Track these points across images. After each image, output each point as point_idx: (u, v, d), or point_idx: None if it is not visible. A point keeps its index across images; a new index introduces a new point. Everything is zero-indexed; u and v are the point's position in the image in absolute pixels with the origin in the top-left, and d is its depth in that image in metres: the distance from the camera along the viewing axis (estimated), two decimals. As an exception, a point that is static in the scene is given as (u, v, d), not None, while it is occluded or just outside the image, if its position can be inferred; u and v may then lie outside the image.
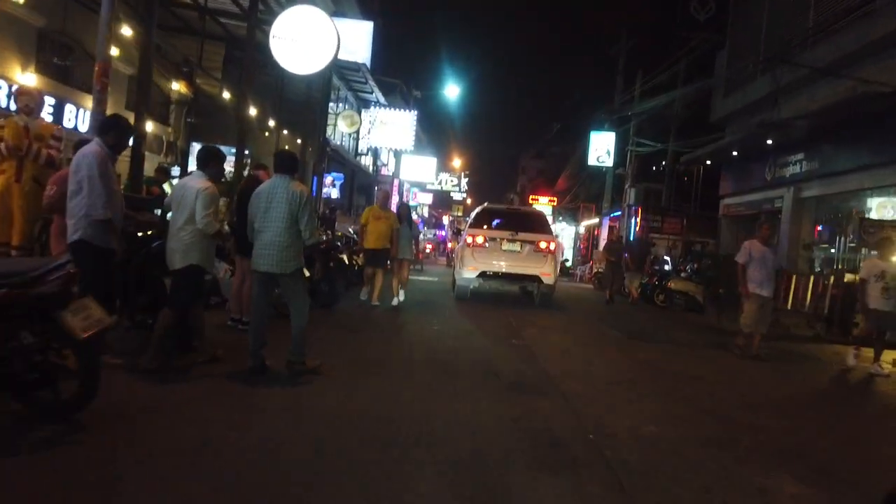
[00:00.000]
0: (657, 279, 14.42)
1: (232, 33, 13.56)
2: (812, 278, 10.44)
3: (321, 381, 4.67)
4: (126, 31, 10.51)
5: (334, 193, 20.05)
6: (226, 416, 3.75)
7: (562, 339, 7.97)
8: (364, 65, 18.04)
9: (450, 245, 28.40)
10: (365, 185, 25.34)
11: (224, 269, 7.32)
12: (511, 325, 8.80)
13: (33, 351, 3.07)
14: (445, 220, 47.75)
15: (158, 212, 6.13)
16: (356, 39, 18.92)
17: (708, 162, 18.55)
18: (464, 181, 45.11)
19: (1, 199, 5.73)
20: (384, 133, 22.43)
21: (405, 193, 31.70)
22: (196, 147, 11.64)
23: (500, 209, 12.86)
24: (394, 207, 11.67)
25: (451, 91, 25.97)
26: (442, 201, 48.99)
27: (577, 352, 7.22)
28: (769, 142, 14.10)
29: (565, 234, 33.08)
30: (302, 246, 4.80)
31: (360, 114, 20.88)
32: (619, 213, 23.09)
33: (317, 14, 11.24)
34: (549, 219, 33.89)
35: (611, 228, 23.60)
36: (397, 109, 23.11)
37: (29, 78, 9.98)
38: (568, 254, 29.56)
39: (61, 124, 10.49)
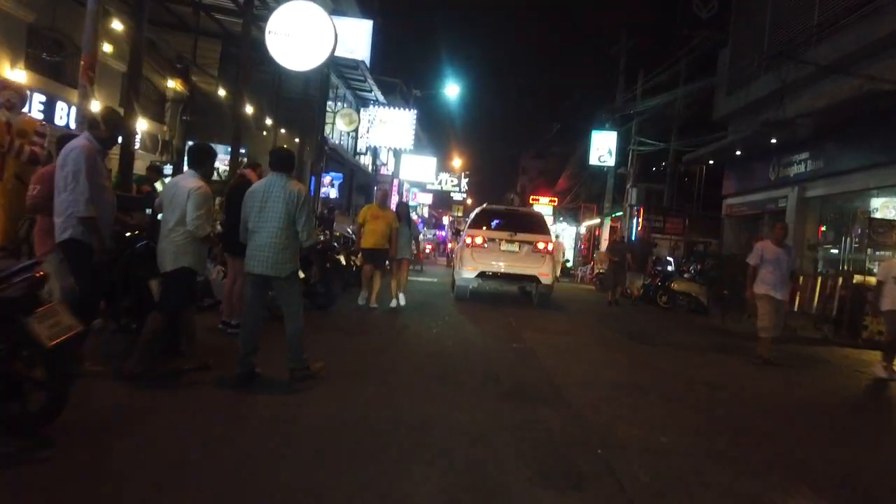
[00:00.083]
0: (660, 280, 14.22)
1: (228, 30, 13.36)
2: (820, 279, 10.20)
3: (313, 388, 4.44)
4: (119, 26, 10.32)
5: (333, 193, 19.84)
6: (210, 428, 3.53)
7: (564, 342, 7.75)
8: (363, 62, 17.83)
9: (450, 245, 28.20)
10: (364, 184, 25.12)
11: (217, 270, 7.12)
12: (512, 326, 8.58)
13: (-3, 360, 2.84)
14: (445, 220, 47.57)
15: (149, 211, 5.92)
16: (355, 38, 18.73)
17: (711, 161, 18.38)
18: (464, 181, 44.89)
19: (-18, 198, 5.52)
20: (383, 132, 22.20)
21: (405, 193, 31.48)
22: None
23: (499, 210, 12.99)
24: (393, 207, 11.44)
25: (451, 90, 25.76)
26: (442, 201, 48.80)
27: (580, 355, 6.99)
28: (773, 141, 13.92)
29: (566, 235, 32.91)
30: (298, 248, 4.58)
31: (358, 112, 20.67)
32: (620, 213, 22.90)
33: (314, 10, 11.03)
34: (550, 219, 33.89)
35: (613, 229, 23.41)
36: (397, 108, 22.89)
37: (18, 74, 9.76)
38: (569, 254, 29.32)
39: (52, 122, 10.30)
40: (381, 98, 21.76)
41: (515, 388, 4.99)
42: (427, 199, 40.99)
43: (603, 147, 23.50)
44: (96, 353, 4.45)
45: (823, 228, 13.82)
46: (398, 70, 27.57)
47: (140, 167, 11.19)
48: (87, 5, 6.01)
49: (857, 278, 9.71)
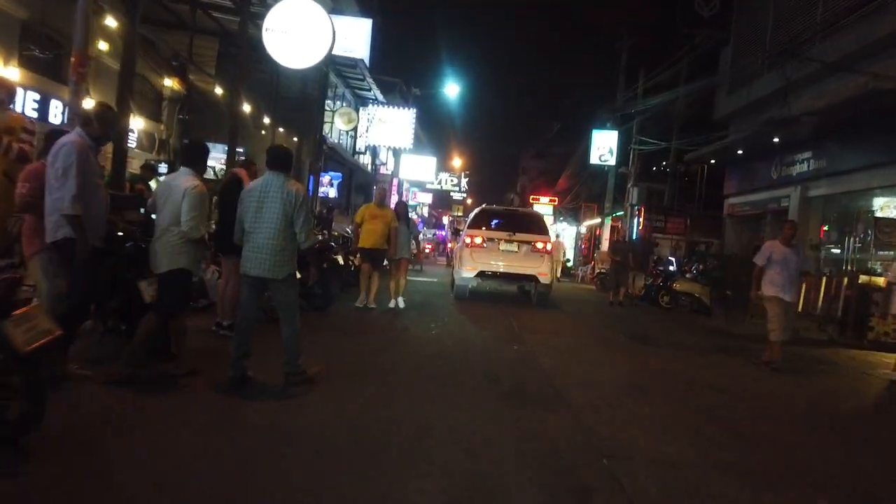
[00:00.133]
0: (662, 280, 14.08)
1: (225, 28, 13.19)
2: (824, 279, 10.05)
3: (308, 393, 4.29)
4: (116, 24, 10.16)
5: (332, 193, 19.69)
6: (199, 436, 3.39)
7: (566, 344, 7.61)
8: (361, 61, 17.68)
9: (449, 245, 28.05)
10: (363, 184, 24.97)
11: (211, 270, 6.98)
12: (512, 328, 8.44)
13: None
14: (445, 220, 47.42)
15: (142, 211, 5.79)
16: (355, 37, 18.59)
17: (712, 161, 18.25)
18: (464, 181, 44.70)
19: (-31, 197, 5.36)
20: (383, 131, 22.03)
21: (404, 193, 31.33)
22: (189, 145, 11.29)
23: (498, 210, 13.11)
24: (392, 206, 11.30)
25: (451, 90, 25.61)
26: (442, 201, 48.65)
27: (583, 357, 6.84)
28: (775, 140, 13.79)
29: (566, 235, 32.74)
30: (296, 249, 4.43)
31: (357, 111, 20.52)
32: (621, 212, 22.76)
33: (311, 6, 10.88)
34: (551, 219, 33.76)
35: (614, 228, 23.26)
36: (396, 107, 22.74)
37: (12, 72, 9.60)
38: (569, 254, 29.16)
39: (47, 120, 10.15)
40: (380, 97, 21.61)
41: (516, 392, 4.85)
42: (427, 198, 40.82)
43: (604, 146, 23.37)
44: (84, 356, 4.32)
45: (826, 228, 13.70)
46: (397, 70, 27.50)
47: (136, 166, 11.05)
48: (78, 1, 5.86)
49: (863, 278, 9.55)
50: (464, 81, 57.46)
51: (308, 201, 4.54)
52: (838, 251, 13.01)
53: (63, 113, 10.70)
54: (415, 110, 23.20)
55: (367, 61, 18.47)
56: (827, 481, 3.56)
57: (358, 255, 9.42)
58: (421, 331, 7.58)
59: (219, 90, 13.67)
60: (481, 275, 10.98)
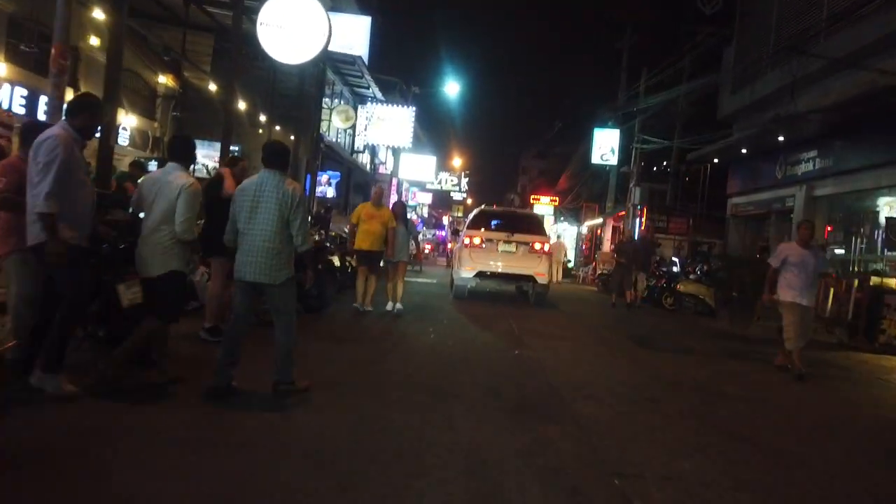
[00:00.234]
0: (665, 281, 13.82)
1: (221, 23, 12.93)
2: (834, 281, 9.79)
3: (298, 406, 4.02)
4: (108, 19, 9.89)
5: (330, 192, 19.43)
6: (178, 452, 3.11)
7: (569, 349, 7.34)
8: (359, 58, 17.42)
9: (449, 245, 27.83)
10: (362, 183, 24.70)
11: (201, 272, 6.72)
12: (513, 332, 8.17)
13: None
14: (445, 220, 47.18)
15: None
16: (354, 34, 18.35)
17: (716, 160, 18.01)
18: (464, 181, 44.43)
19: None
20: (381, 130, 21.75)
21: (404, 193, 31.06)
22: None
23: (497, 211, 13.42)
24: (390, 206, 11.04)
25: (451, 89, 25.36)
26: (442, 201, 48.38)
27: (587, 364, 6.56)
28: (780, 138, 13.55)
29: (567, 235, 32.52)
30: (293, 252, 4.16)
31: (356, 110, 20.26)
32: (622, 212, 22.52)
33: (307, 1, 10.61)
34: (551, 219, 33.52)
35: (616, 229, 23.03)
36: (395, 105, 22.46)
37: (-2, 67, 9.37)
38: (570, 255, 28.90)
39: (34, 116, 9.89)
40: (378, 95, 21.35)
41: (519, 402, 4.58)
42: (427, 198, 40.55)
43: (605, 145, 23.16)
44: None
45: (831, 228, 13.45)
46: (397, 70, 27.22)
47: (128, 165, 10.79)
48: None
49: (875, 280, 9.29)
50: (464, 81, 57.24)
51: (305, 201, 4.27)
52: (842, 252, 12.77)
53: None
54: (414, 109, 22.92)
55: (365, 59, 18.21)
56: (862, 497, 3.30)
57: (354, 257, 9.14)
58: (418, 335, 7.31)
59: (214, 87, 13.41)
60: (480, 275, 11.08)
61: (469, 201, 48.80)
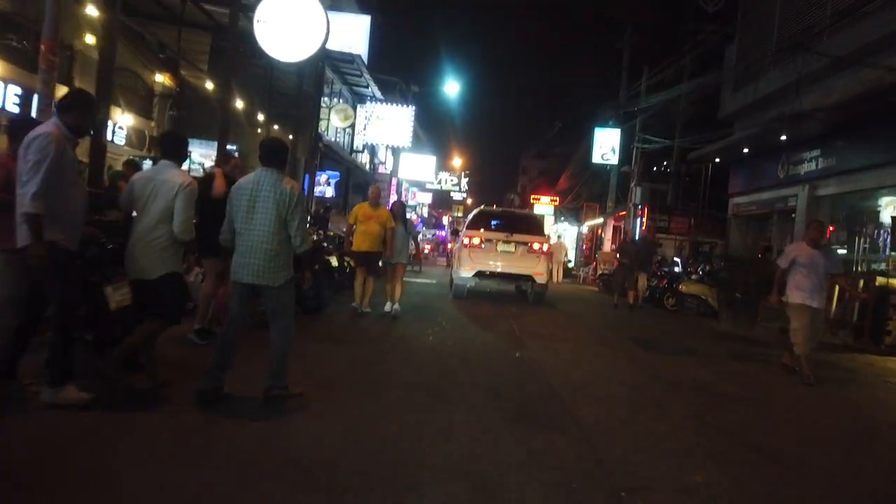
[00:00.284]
0: (666, 281, 13.68)
1: (218, 22, 12.80)
2: (839, 281, 9.66)
3: (290, 413, 3.87)
4: (102, 17, 9.76)
5: (329, 192, 19.30)
6: (164, 463, 2.98)
7: (571, 351, 7.20)
8: (358, 56, 17.28)
9: (449, 245, 27.72)
10: (361, 183, 24.55)
11: (195, 272, 6.59)
12: (514, 333, 8.04)
13: None
14: (445, 220, 47.07)
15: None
16: (353, 33, 18.24)
17: (717, 159, 17.88)
18: (464, 181, 44.33)
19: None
20: (381, 129, 21.62)
21: (404, 193, 30.92)
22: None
23: (496, 211, 13.63)
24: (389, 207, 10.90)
25: (451, 88, 25.24)
26: (442, 201, 48.27)
27: (590, 366, 6.42)
28: (783, 137, 13.43)
29: (568, 235, 32.39)
30: (292, 253, 4.03)
31: (355, 109, 20.12)
32: (623, 211, 22.40)
33: (305, -2, 10.49)
34: (551, 219, 33.38)
35: (616, 229, 22.91)
36: (394, 104, 22.33)
37: (-9, 64, 9.23)
38: (571, 255, 28.78)
39: (28, 114, 9.75)
40: (378, 94, 21.21)
41: (520, 409, 4.44)
42: (426, 198, 40.45)
43: (606, 145, 23.05)
44: (41, 370, 3.91)
45: (833, 228, 13.33)
46: (397, 70, 27.12)
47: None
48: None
49: (880, 280, 9.16)
50: (463, 80, 57.17)
51: (303, 201, 4.15)
52: (844, 251, 12.64)
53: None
54: (414, 108, 22.79)
55: (365, 58, 18.08)
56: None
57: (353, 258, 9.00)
58: (417, 337, 7.17)
59: (211, 86, 13.27)
60: (479, 274, 11.16)
61: (469, 201, 48.70)
